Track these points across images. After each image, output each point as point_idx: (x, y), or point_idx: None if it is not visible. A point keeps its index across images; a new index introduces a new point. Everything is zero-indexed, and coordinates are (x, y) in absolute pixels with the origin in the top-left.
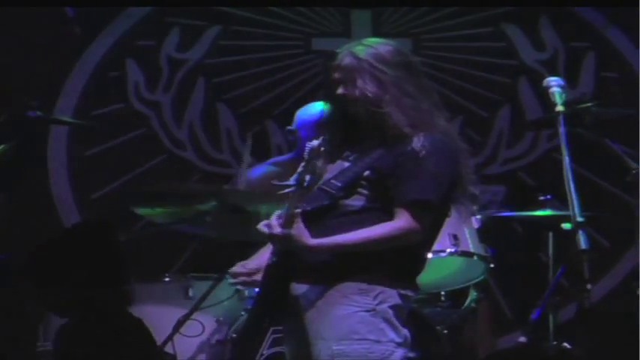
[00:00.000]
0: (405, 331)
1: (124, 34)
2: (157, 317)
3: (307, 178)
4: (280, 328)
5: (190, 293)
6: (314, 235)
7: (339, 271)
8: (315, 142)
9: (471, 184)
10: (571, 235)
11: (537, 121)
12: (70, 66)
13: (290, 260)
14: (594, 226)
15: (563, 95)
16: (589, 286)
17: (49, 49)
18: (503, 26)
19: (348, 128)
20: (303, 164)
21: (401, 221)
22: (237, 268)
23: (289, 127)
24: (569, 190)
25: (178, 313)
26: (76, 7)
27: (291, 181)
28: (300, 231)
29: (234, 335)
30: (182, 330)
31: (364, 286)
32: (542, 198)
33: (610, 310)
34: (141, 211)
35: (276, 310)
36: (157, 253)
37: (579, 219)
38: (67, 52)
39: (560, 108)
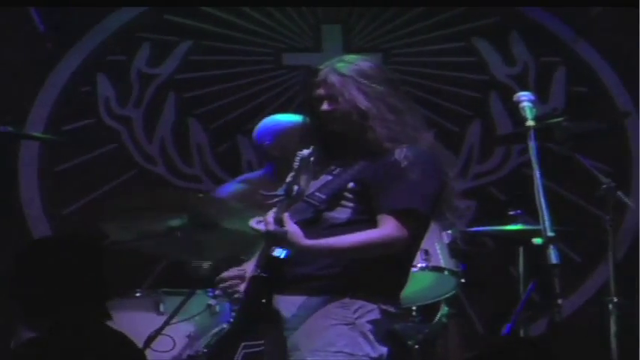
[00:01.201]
0: (382, 348)
1: (95, 49)
2: (128, 332)
3: (295, 188)
4: (251, 343)
5: (161, 308)
6: None
7: (322, 284)
8: (305, 152)
9: (456, 198)
10: (542, 249)
11: (508, 136)
12: (42, 81)
13: (274, 272)
14: (565, 240)
15: (534, 110)
16: (560, 301)
17: (21, 64)
18: (474, 41)
19: (331, 143)
20: (292, 174)
21: (388, 228)
22: (225, 272)
23: (268, 144)
24: (540, 205)
25: (149, 328)
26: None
27: (280, 191)
28: (295, 229)
29: (205, 350)
30: (153, 345)
31: (346, 300)
32: (512, 213)
33: (581, 325)
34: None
35: (258, 322)
36: (128, 268)
37: (550, 234)
38: (39, 67)
39: (530, 123)
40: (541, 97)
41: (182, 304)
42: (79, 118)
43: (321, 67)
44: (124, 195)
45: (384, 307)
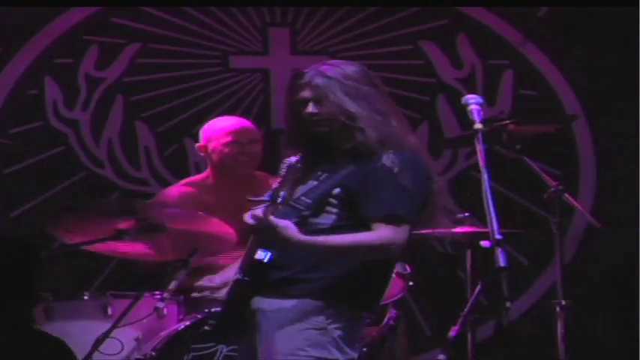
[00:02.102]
0: (353, 353)
1: (42, 52)
2: (76, 335)
3: (281, 194)
4: (200, 346)
5: (109, 311)
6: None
7: (299, 288)
8: (292, 159)
9: (446, 199)
10: (489, 252)
11: (455, 139)
12: None
13: (257, 276)
14: (513, 243)
15: (482, 113)
16: (508, 304)
17: None
18: (422, 44)
19: (317, 147)
20: (278, 180)
21: (384, 232)
22: (203, 281)
23: (198, 144)
24: (488, 208)
25: (97, 331)
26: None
27: (266, 196)
28: (289, 224)
29: (153, 354)
30: (101, 348)
31: (320, 304)
32: (460, 215)
33: (528, 328)
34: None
35: (237, 325)
36: (75, 271)
37: (497, 236)
38: None
39: (478, 126)
40: (489, 100)
41: (130, 307)
42: (26, 121)
43: (305, 70)
44: (72, 202)
45: (359, 313)
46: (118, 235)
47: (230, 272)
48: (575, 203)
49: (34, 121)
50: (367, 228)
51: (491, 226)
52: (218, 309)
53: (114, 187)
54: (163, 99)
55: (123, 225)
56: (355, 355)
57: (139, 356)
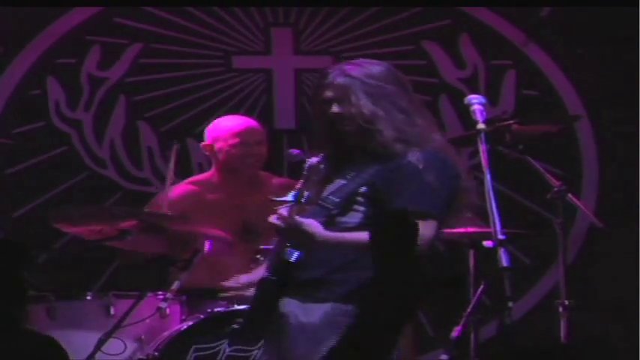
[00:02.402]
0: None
1: (45, 52)
2: (78, 335)
3: (305, 194)
4: (203, 346)
5: (112, 311)
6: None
7: (329, 290)
8: (314, 159)
9: (474, 197)
10: (492, 252)
11: (458, 139)
12: None
13: (284, 277)
14: (515, 243)
15: (484, 113)
16: (510, 304)
17: None
18: (424, 44)
19: (342, 146)
20: (301, 181)
21: None
22: (230, 282)
23: (203, 143)
24: (490, 208)
25: (100, 331)
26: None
27: (290, 197)
28: (313, 222)
29: (155, 354)
30: (103, 348)
31: (349, 308)
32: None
33: (531, 328)
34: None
35: (264, 325)
36: (78, 271)
37: (500, 236)
38: None
39: (481, 126)
40: (491, 100)
41: (132, 307)
42: (29, 121)
43: (330, 69)
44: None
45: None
46: (121, 235)
47: (257, 273)
48: (578, 203)
49: (36, 121)
50: None
51: (494, 226)
52: (240, 308)
53: (116, 187)
54: (166, 99)
55: (126, 224)
56: None
57: (141, 356)
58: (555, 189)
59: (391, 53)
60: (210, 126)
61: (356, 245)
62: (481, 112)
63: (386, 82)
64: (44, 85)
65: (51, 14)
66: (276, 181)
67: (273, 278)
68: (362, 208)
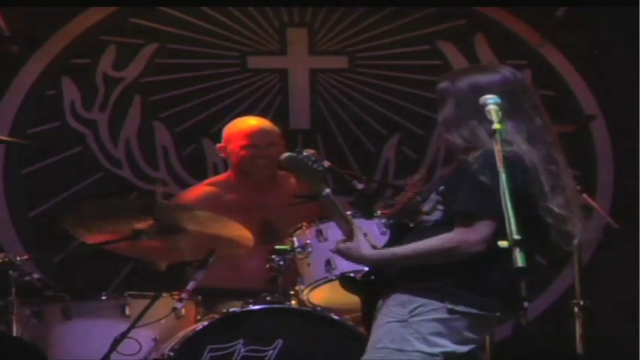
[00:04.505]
0: (446, 345)
1: (60, 53)
2: (94, 335)
3: (326, 189)
4: (217, 346)
5: (127, 311)
6: None
7: (393, 283)
8: (326, 163)
9: (549, 201)
10: (508, 252)
11: None
12: (7, 84)
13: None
14: None
15: (500, 113)
16: (526, 304)
17: None
18: (440, 44)
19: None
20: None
21: (453, 233)
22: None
23: (219, 144)
24: (506, 208)
25: (115, 331)
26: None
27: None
28: (354, 244)
29: (171, 354)
30: (119, 348)
31: (405, 297)
32: None
33: (547, 328)
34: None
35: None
36: (94, 271)
37: (516, 237)
38: (3, 70)
39: (496, 126)
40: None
41: (148, 307)
42: (44, 121)
43: (445, 74)
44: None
45: (451, 306)
46: (136, 236)
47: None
48: (594, 203)
49: (51, 121)
50: None
51: (509, 227)
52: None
53: (132, 187)
54: (181, 99)
55: (141, 225)
56: (447, 348)
57: (156, 356)
58: None
59: (406, 53)
60: (226, 127)
61: (399, 261)
62: (496, 112)
63: (486, 93)
64: (59, 85)
65: (66, 14)
66: (294, 180)
67: (352, 276)
68: (441, 207)
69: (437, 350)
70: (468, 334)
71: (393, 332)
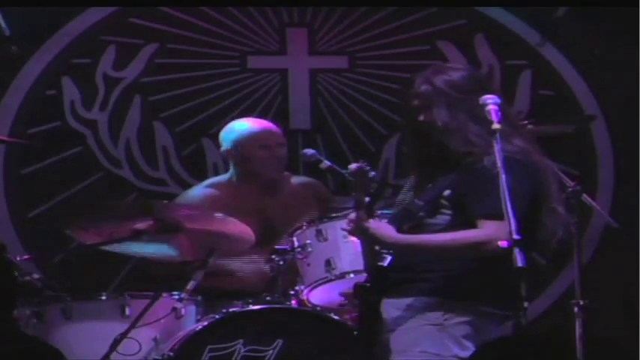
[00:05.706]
0: (471, 347)
1: (60, 53)
2: (94, 335)
3: (366, 199)
4: (217, 346)
5: (127, 312)
6: None
7: (420, 287)
8: (353, 166)
9: (558, 201)
10: (507, 252)
11: None
12: (6, 84)
13: (379, 282)
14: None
15: (500, 113)
16: (526, 304)
17: None
18: (440, 44)
19: (428, 152)
20: (354, 187)
21: (484, 230)
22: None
23: (225, 150)
24: (506, 208)
25: (115, 331)
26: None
27: (349, 203)
28: (380, 224)
29: (170, 354)
30: (119, 348)
31: (439, 302)
32: None
33: (547, 328)
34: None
35: (375, 329)
36: (93, 271)
37: (516, 236)
38: (3, 70)
39: (496, 126)
40: (506, 100)
41: (148, 307)
42: (44, 121)
43: (415, 76)
44: (90, 203)
45: (482, 309)
46: (136, 236)
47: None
48: (594, 203)
49: (51, 121)
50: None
51: (510, 226)
52: (255, 308)
53: (132, 187)
54: (181, 99)
55: (141, 225)
56: (472, 350)
57: (156, 356)
58: (570, 189)
59: (407, 53)
60: (228, 130)
61: (425, 246)
62: (496, 112)
63: (467, 91)
64: (59, 85)
65: (66, 14)
66: (295, 180)
67: (368, 284)
68: (449, 211)
69: (467, 354)
70: (489, 336)
71: (432, 336)
